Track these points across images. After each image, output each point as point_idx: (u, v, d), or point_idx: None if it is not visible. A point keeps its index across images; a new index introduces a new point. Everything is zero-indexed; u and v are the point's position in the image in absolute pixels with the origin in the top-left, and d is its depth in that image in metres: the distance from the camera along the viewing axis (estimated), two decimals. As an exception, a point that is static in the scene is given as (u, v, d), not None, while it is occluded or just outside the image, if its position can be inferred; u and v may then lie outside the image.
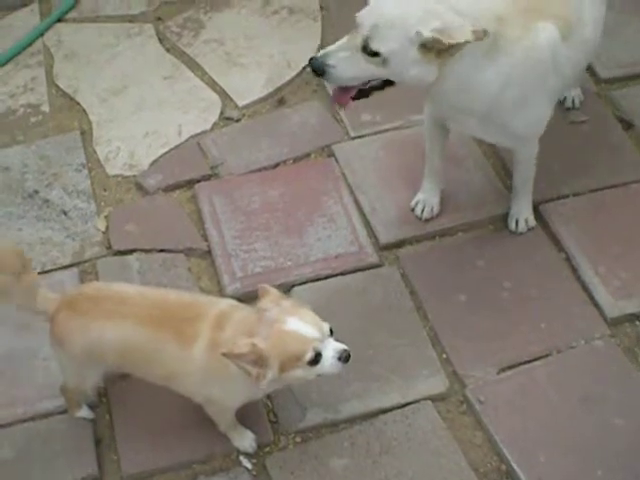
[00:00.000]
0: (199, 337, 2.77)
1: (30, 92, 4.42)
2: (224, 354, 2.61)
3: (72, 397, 3.12)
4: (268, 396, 3.24)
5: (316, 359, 2.68)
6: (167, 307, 2.85)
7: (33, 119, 4.29)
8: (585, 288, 3.61)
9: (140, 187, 3.96)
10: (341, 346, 2.73)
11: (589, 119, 4.22)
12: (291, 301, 2.80)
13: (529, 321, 3.49)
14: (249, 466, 3.11)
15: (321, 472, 3.08)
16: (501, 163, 4.05)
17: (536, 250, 3.74)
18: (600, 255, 3.70)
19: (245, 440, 3.11)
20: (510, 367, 3.36)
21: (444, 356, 3.40)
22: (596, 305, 3.56)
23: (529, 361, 3.38)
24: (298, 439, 3.18)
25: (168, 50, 4.60)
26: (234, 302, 2.97)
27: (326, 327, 2.73)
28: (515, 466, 3.10)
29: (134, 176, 4.01)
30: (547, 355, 3.40)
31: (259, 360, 2.62)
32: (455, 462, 3.11)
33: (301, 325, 2.68)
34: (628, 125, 4.26)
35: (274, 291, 2.80)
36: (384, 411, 3.23)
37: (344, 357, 2.72)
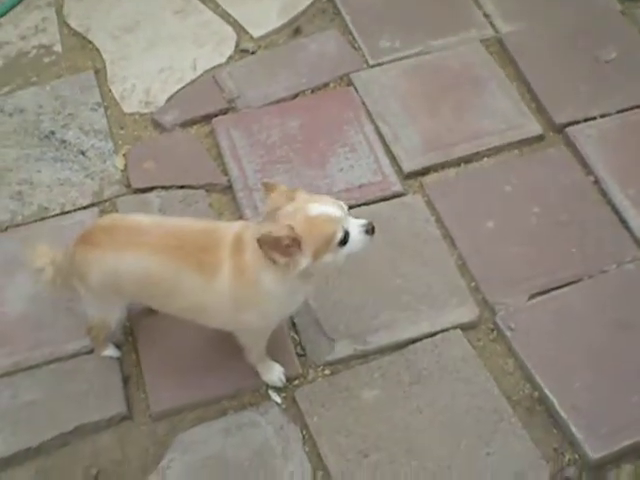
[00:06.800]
0: (221, 265, 2.68)
1: (42, 33, 4.34)
2: (259, 240, 2.49)
3: (98, 336, 3.08)
4: (295, 329, 3.20)
5: (345, 238, 2.60)
6: (184, 236, 2.75)
7: (46, 60, 4.21)
8: (615, 211, 3.53)
9: (157, 124, 3.90)
10: (363, 220, 2.65)
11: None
12: (303, 192, 2.67)
13: (559, 246, 3.43)
14: (278, 400, 3.08)
15: (352, 404, 3.05)
16: (526, 86, 3.95)
17: (564, 174, 3.65)
18: (630, 177, 3.62)
19: (274, 374, 3.08)
20: (541, 293, 3.30)
21: (473, 284, 3.35)
22: (627, 228, 3.48)
23: (560, 287, 3.32)
24: (327, 371, 3.15)
25: (179, -17, 4.49)
26: (246, 223, 2.85)
27: (344, 205, 2.65)
28: (548, 392, 3.06)
29: (151, 113, 3.95)
30: (579, 280, 3.34)
31: (293, 245, 2.52)
32: (487, 390, 3.07)
33: (325, 208, 2.59)
34: (655, 43, 4.15)
35: (281, 186, 2.67)
36: (413, 341, 3.19)
37: (370, 229, 2.65)
